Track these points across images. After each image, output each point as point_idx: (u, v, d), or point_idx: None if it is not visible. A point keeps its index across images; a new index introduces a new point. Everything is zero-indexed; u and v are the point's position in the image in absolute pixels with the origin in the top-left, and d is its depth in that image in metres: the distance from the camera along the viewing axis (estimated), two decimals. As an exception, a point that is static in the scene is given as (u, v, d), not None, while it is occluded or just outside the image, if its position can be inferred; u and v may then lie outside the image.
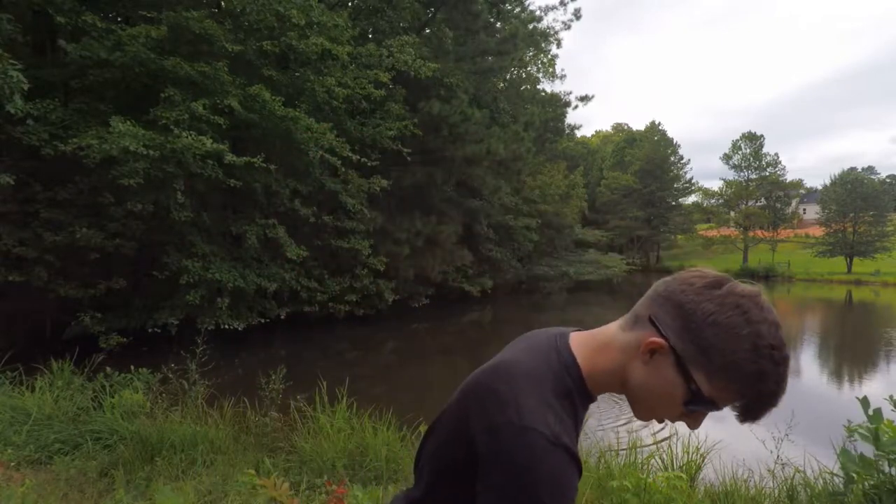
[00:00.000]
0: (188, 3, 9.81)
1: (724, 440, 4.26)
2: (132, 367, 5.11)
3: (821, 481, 3.43)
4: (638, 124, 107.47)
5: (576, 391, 0.78)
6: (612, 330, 0.82)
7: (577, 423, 0.79)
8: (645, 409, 0.79)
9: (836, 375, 10.90)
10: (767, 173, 44.03)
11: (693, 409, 0.74)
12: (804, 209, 62.80)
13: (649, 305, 0.77)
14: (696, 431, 4.33)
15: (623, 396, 0.81)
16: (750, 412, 0.72)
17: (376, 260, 13.26)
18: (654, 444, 4.72)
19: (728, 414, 0.75)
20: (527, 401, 0.73)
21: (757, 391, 0.71)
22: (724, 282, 0.74)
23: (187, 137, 8.37)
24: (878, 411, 2.91)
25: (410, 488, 0.95)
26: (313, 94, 11.07)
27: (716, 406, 0.73)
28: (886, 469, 2.88)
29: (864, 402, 2.96)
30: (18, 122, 7.90)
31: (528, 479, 0.68)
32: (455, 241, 17.48)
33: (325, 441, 4.02)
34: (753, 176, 44.29)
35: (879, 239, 37.16)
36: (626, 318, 0.81)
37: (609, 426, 6.35)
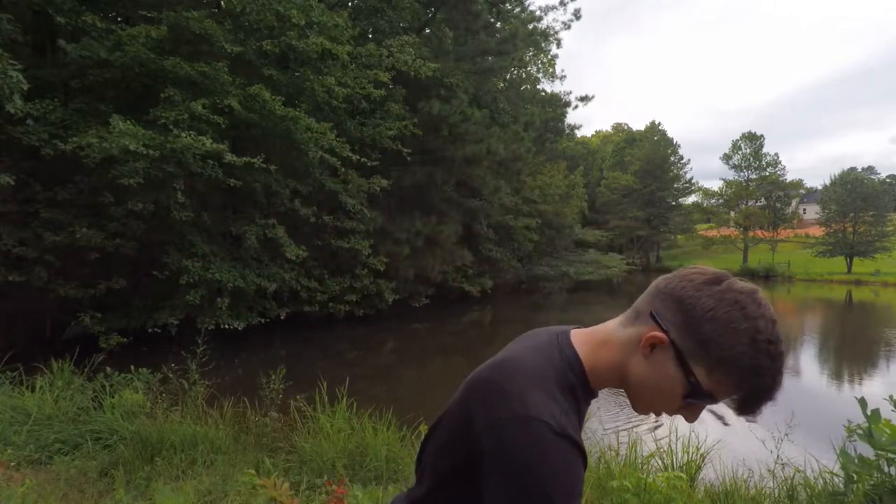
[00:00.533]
0: (188, 3, 9.81)
1: (724, 440, 4.27)
2: (132, 367, 5.11)
3: (821, 481, 3.43)
4: (638, 124, 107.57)
5: (579, 386, 0.80)
6: (612, 326, 0.83)
7: (580, 417, 0.80)
8: (645, 402, 0.81)
9: (836, 375, 10.90)
10: (767, 173, 44.05)
11: (692, 402, 0.76)
12: (804, 209, 62.81)
13: (650, 301, 0.79)
14: (696, 431, 4.37)
15: (619, 395, 0.82)
16: (747, 405, 0.74)
17: (376, 260, 13.25)
18: (654, 441, 4.72)
19: (728, 414, 0.75)
20: (531, 395, 0.73)
21: (754, 385, 0.72)
22: (724, 278, 0.75)
23: (187, 137, 8.37)
24: (875, 412, 2.90)
25: (412, 488, 0.96)
26: (313, 94, 11.07)
27: (714, 399, 0.74)
28: (886, 469, 2.88)
29: (863, 402, 2.96)
30: (18, 122, 7.90)
31: (535, 472, 0.68)
32: (455, 241, 17.47)
33: (325, 441, 4.02)
34: (753, 176, 44.32)
35: (879, 239, 37.14)
36: (627, 315, 0.83)
37: (609, 426, 6.35)
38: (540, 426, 0.70)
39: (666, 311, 0.76)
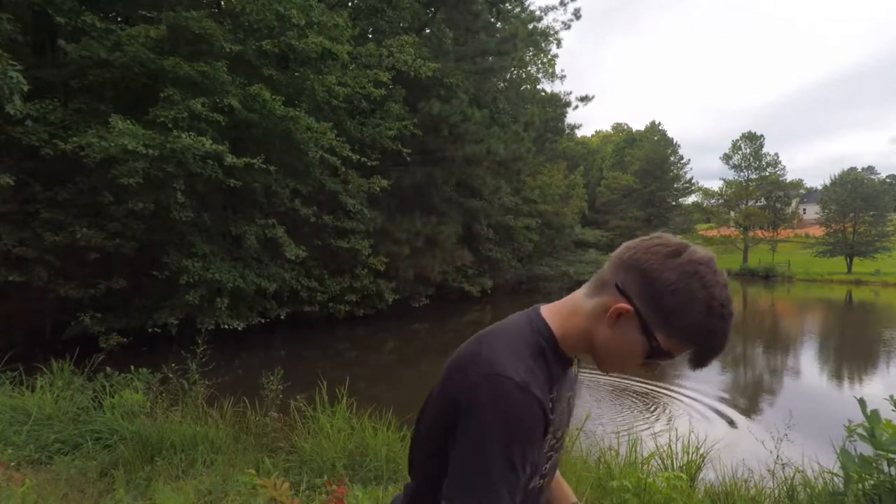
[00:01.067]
0: (188, 3, 9.81)
1: (724, 440, 4.26)
2: (132, 367, 5.11)
3: (821, 481, 3.43)
4: (638, 124, 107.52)
5: (549, 350, 0.86)
6: (579, 296, 0.90)
7: (551, 379, 0.86)
8: (610, 363, 0.88)
9: (836, 375, 10.90)
10: (767, 173, 44.04)
11: (652, 361, 0.84)
12: (804, 209, 62.81)
13: (615, 272, 0.84)
14: (696, 431, 4.39)
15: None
16: (699, 361, 0.83)
17: (376, 260, 13.25)
18: (654, 441, 4.72)
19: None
20: (500, 357, 0.81)
21: (707, 345, 0.80)
22: (683, 249, 0.81)
23: (187, 138, 8.37)
24: (875, 412, 2.91)
25: (406, 485, 0.98)
26: (313, 94, 11.07)
27: (672, 357, 0.83)
28: (886, 469, 2.88)
29: (862, 403, 2.96)
30: (18, 123, 7.90)
31: (496, 421, 0.76)
32: (455, 241, 17.47)
33: (325, 441, 4.02)
34: (753, 176, 44.30)
35: (879, 239, 37.13)
36: (592, 284, 0.89)
37: (609, 427, 6.35)
38: (504, 381, 0.77)
39: (631, 282, 0.81)
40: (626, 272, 0.82)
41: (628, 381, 8.63)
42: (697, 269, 0.78)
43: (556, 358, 0.87)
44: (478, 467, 0.75)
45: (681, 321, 0.78)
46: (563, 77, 33.94)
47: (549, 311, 0.91)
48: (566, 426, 1.00)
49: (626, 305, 0.81)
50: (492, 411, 0.76)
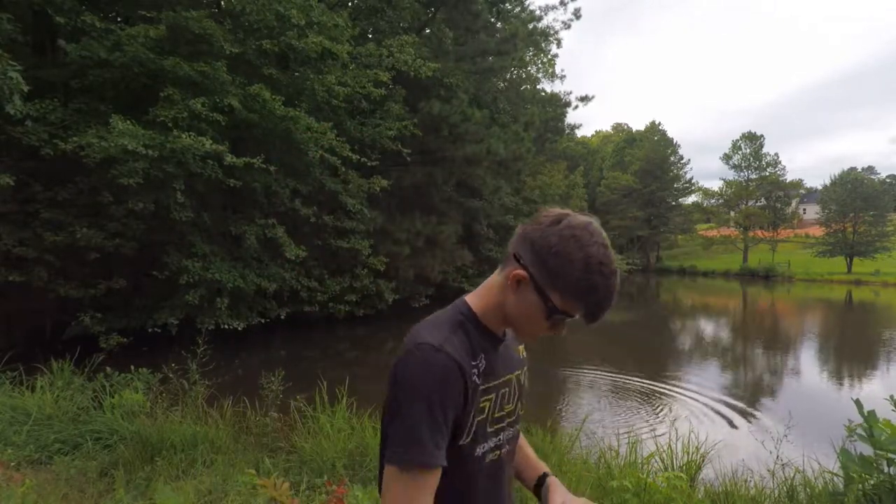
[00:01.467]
0: (187, 2, 9.80)
1: (724, 440, 4.26)
2: (132, 367, 5.11)
3: (821, 481, 3.43)
4: (638, 124, 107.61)
5: (470, 324, 0.97)
6: (493, 275, 1.01)
7: (474, 348, 0.95)
8: (522, 329, 0.98)
9: (836, 376, 10.90)
10: (767, 173, 44.10)
11: (553, 320, 0.92)
12: (804, 209, 62.84)
13: (514, 245, 0.95)
14: (696, 431, 4.39)
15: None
16: (590, 316, 0.91)
17: (376, 260, 13.25)
18: (654, 441, 4.72)
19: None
20: (423, 333, 0.92)
21: (592, 300, 0.89)
22: (563, 217, 0.92)
23: (187, 138, 8.37)
24: (872, 412, 2.91)
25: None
26: (313, 94, 11.06)
27: (570, 315, 0.91)
28: (886, 469, 2.88)
29: (859, 404, 2.96)
30: (18, 123, 7.90)
31: (416, 379, 0.86)
32: (455, 241, 17.45)
33: (325, 441, 4.02)
34: (753, 176, 44.37)
35: (879, 239, 37.16)
36: (502, 262, 0.99)
37: (609, 427, 6.35)
38: (423, 346, 0.88)
39: (524, 251, 0.92)
40: (521, 243, 0.93)
41: (628, 381, 8.64)
42: (574, 232, 0.88)
43: (479, 331, 0.97)
44: (405, 425, 0.85)
45: (565, 280, 0.87)
46: (563, 77, 33.95)
47: (472, 294, 1.02)
48: (518, 402, 1.08)
49: (521, 272, 0.91)
50: (412, 372, 0.86)
